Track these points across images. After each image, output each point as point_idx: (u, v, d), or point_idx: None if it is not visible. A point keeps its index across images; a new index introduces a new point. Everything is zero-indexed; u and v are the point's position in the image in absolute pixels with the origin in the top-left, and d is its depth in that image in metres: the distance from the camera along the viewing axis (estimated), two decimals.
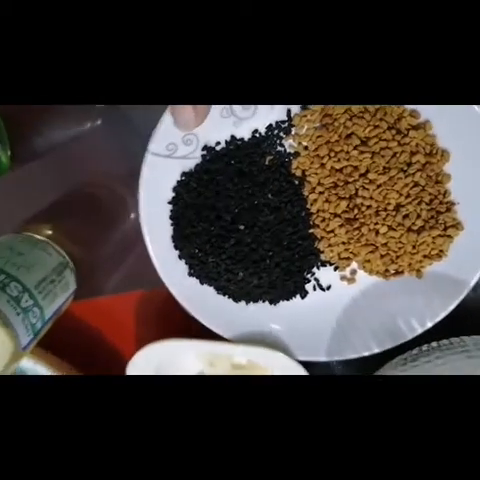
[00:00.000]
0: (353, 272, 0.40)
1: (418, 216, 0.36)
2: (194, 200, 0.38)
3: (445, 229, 0.37)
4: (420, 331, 0.38)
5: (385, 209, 0.36)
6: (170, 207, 0.38)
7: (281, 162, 0.37)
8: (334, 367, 0.43)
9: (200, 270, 0.39)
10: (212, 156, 0.37)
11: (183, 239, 0.38)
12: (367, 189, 0.36)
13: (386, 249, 0.37)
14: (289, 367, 0.39)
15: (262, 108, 0.37)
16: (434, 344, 0.38)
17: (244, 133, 0.37)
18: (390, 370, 0.38)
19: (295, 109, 0.37)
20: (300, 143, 0.37)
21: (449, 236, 0.37)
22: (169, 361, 0.41)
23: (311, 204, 0.38)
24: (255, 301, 0.40)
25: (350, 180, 0.36)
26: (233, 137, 0.37)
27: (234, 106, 0.36)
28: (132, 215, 0.44)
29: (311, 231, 0.38)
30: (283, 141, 0.38)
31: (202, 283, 0.40)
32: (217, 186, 0.37)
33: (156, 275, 0.39)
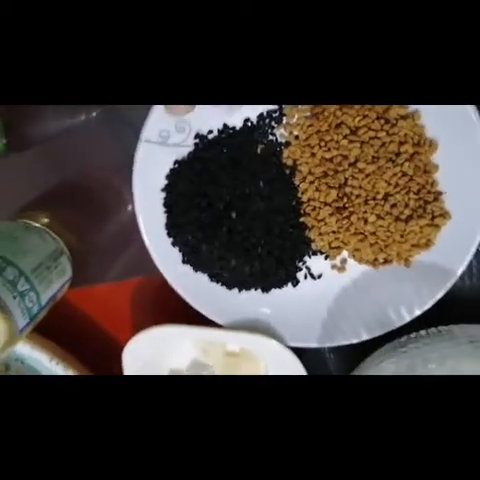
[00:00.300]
0: (343, 261, 0.40)
1: (406, 205, 0.37)
2: (187, 188, 0.38)
3: (433, 218, 0.37)
4: (409, 319, 0.39)
5: (374, 198, 0.37)
6: (164, 195, 0.39)
7: (272, 151, 0.38)
8: (325, 353, 0.43)
9: (193, 257, 0.40)
10: (204, 144, 0.38)
11: (176, 227, 0.39)
12: (356, 178, 0.37)
13: (375, 238, 0.38)
14: (281, 354, 0.40)
15: None
16: (422, 332, 0.38)
17: (236, 121, 0.38)
18: (380, 356, 0.38)
19: None
20: (291, 132, 0.38)
21: (436, 225, 0.37)
22: (163, 347, 0.42)
23: (302, 193, 0.38)
24: (248, 289, 0.41)
25: (340, 169, 0.37)
26: (225, 125, 0.38)
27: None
28: (129, 207, 0.45)
29: (302, 220, 0.39)
30: (274, 130, 0.38)
31: (196, 270, 0.40)
32: (209, 174, 0.38)
33: (152, 264, 0.40)
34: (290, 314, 0.41)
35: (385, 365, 0.37)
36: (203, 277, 0.41)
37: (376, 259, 0.39)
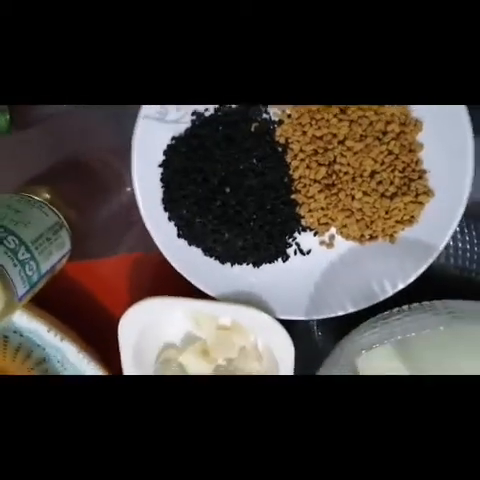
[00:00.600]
0: (332, 237, 0.42)
1: (391, 183, 0.39)
2: (183, 164, 0.40)
3: (416, 196, 0.39)
4: (392, 292, 0.41)
5: (361, 175, 0.39)
6: (161, 170, 0.41)
7: (266, 129, 0.40)
8: (313, 327, 0.45)
9: (188, 231, 0.41)
10: (201, 121, 0.39)
11: (172, 201, 0.41)
12: (345, 156, 0.38)
13: (361, 214, 0.39)
14: (271, 327, 0.41)
15: None
16: (405, 307, 0.40)
17: None
18: (363, 328, 0.40)
19: None
20: (284, 111, 0.39)
21: (420, 202, 0.39)
22: (158, 319, 0.43)
23: (293, 170, 0.40)
24: (240, 263, 0.42)
25: (329, 147, 0.39)
26: None
27: None
28: (128, 188, 0.46)
29: (293, 197, 0.41)
30: (268, 109, 0.40)
31: (190, 244, 0.42)
32: (205, 151, 0.39)
33: (150, 242, 0.41)
34: (280, 288, 0.42)
35: (368, 335, 0.38)
36: (198, 251, 0.42)
37: (362, 235, 0.41)
